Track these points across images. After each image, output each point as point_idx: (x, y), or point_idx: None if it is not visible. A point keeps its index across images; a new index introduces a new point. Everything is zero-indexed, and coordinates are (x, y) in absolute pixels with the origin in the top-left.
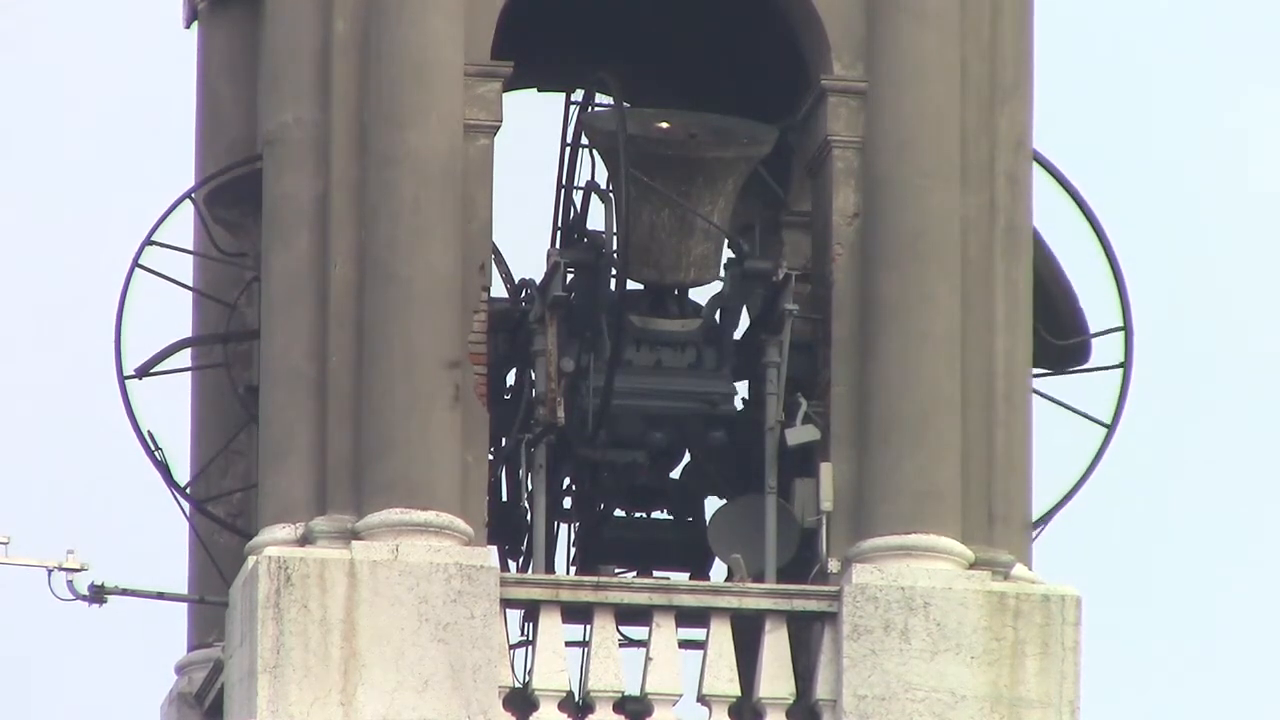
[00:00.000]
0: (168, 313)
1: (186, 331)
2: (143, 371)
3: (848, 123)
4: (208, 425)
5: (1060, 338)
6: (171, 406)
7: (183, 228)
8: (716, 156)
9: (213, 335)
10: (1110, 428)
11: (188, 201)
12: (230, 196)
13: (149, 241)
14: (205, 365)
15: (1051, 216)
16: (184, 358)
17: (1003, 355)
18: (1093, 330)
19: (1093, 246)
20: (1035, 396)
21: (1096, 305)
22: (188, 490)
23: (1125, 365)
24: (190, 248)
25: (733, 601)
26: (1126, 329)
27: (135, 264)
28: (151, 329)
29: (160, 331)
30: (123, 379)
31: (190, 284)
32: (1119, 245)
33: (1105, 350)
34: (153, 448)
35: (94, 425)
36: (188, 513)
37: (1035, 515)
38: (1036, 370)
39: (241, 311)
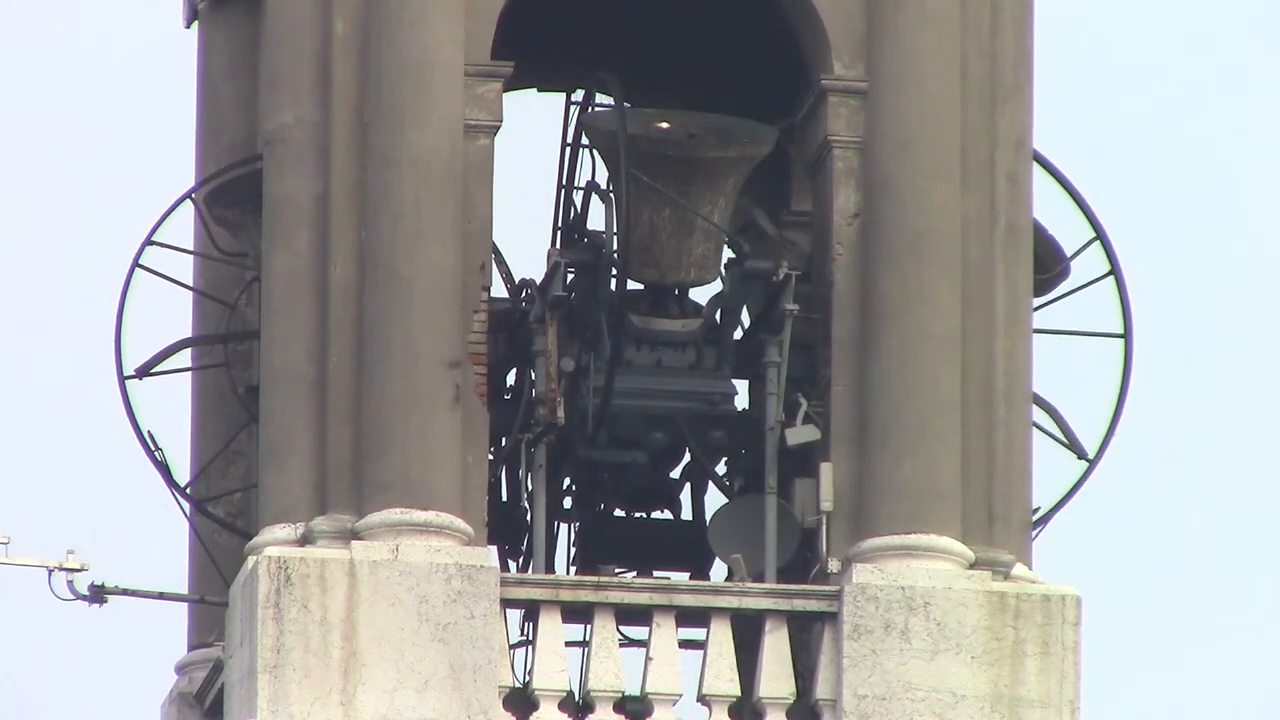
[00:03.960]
0: (168, 313)
1: (186, 331)
2: (143, 372)
3: (848, 123)
4: (208, 425)
5: (1043, 273)
6: (171, 406)
7: (183, 228)
8: (716, 156)
9: (213, 335)
10: (1125, 337)
11: (188, 201)
12: (230, 196)
13: (149, 241)
14: (205, 365)
15: (1051, 216)
16: (184, 358)
17: (1003, 355)
18: (1070, 254)
19: (1092, 246)
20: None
21: (1097, 305)
22: (188, 490)
23: (1114, 271)
24: (190, 248)
25: (733, 601)
26: (1101, 238)
27: (135, 264)
28: (151, 329)
29: (160, 331)
30: (123, 379)
31: (190, 284)
32: (1119, 245)
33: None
34: (153, 448)
35: (94, 425)
36: (188, 513)
37: (1035, 515)
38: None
39: (241, 311)
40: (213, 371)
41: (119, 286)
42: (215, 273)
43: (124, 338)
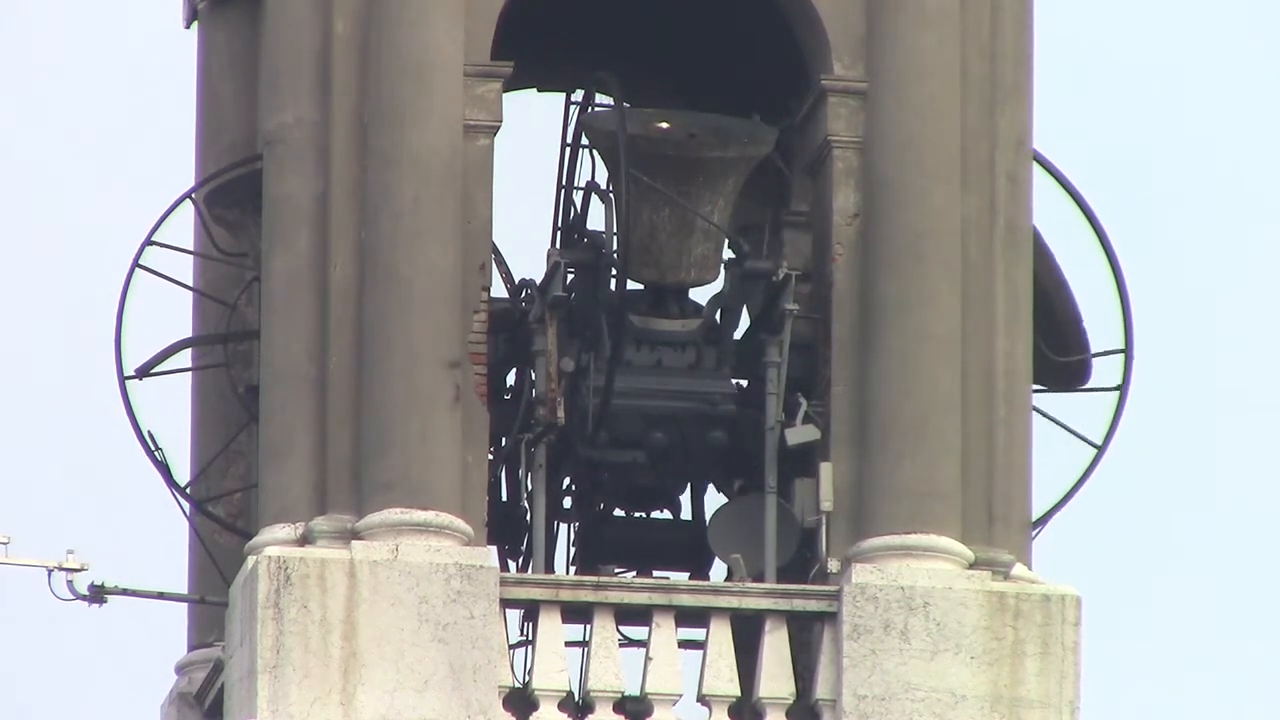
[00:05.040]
0: (168, 313)
1: (187, 332)
2: (143, 372)
3: (848, 123)
4: (208, 426)
5: (1061, 354)
6: (172, 406)
7: (183, 228)
8: (716, 156)
9: (213, 335)
10: (1101, 449)
11: (188, 201)
12: (230, 197)
13: (149, 242)
14: (205, 365)
15: (1051, 216)
16: (184, 358)
17: (1003, 355)
18: (1094, 350)
19: (1093, 246)
20: (1034, 408)
21: (1098, 313)
22: (188, 490)
23: (1122, 388)
24: (190, 248)
25: (733, 601)
26: (1127, 351)
27: (135, 264)
28: (152, 329)
29: (160, 332)
30: (123, 379)
31: (190, 284)
32: (1119, 245)
33: (1104, 370)
34: (153, 448)
35: (94, 425)
36: (188, 513)
37: (1034, 515)
38: (1035, 386)
39: (241, 311)
40: (213, 371)
41: (119, 287)
42: (215, 273)
43: (124, 338)
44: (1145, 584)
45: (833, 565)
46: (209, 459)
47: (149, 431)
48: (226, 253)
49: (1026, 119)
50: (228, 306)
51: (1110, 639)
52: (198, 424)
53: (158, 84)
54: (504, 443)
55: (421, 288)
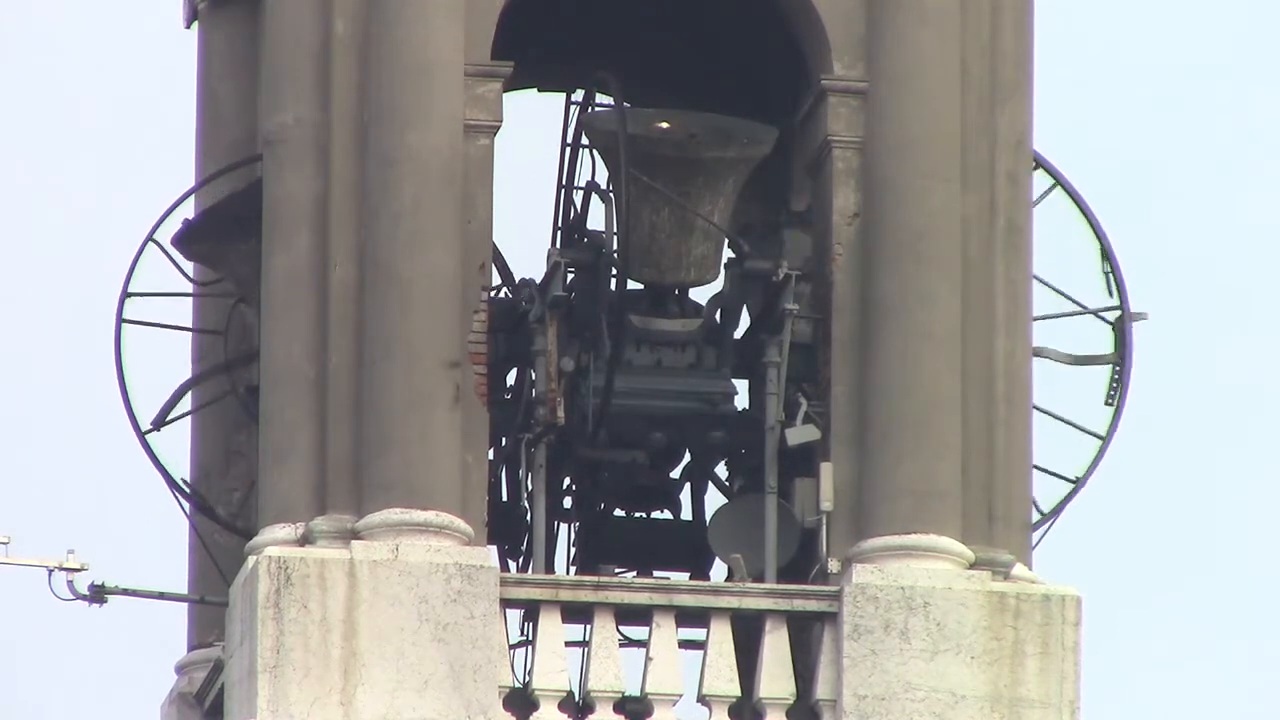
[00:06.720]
0: (165, 349)
1: (186, 361)
2: (158, 423)
3: (848, 123)
4: (209, 429)
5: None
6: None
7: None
8: (716, 156)
9: (214, 368)
10: (1105, 439)
11: (176, 228)
12: (200, 232)
13: (125, 295)
14: (214, 400)
15: (1052, 216)
16: (194, 392)
17: (1003, 355)
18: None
19: (1092, 245)
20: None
21: (1096, 314)
22: (238, 524)
23: (1121, 384)
24: (171, 286)
25: (733, 601)
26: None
27: (120, 320)
28: (154, 365)
29: (162, 366)
30: (142, 435)
31: (180, 320)
32: (1118, 245)
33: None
34: (189, 494)
35: (94, 426)
36: (188, 513)
37: (1035, 516)
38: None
39: (242, 313)
40: (215, 379)
41: (115, 303)
42: (203, 299)
43: (130, 392)
44: (1145, 584)
45: (833, 565)
46: (211, 463)
47: (182, 478)
48: (202, 283)
49: (1026, 118)
50: (221, 335)
51: (1110, 639)
52: (198, 428)
53: (158, 84)
54: (504, 443)
55: (421, 288)
